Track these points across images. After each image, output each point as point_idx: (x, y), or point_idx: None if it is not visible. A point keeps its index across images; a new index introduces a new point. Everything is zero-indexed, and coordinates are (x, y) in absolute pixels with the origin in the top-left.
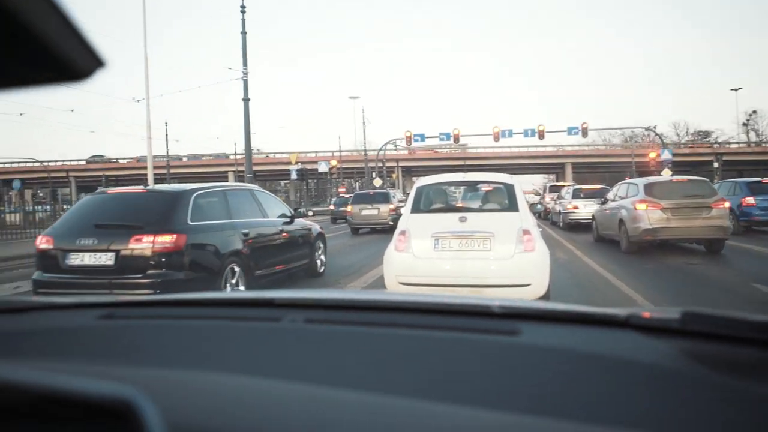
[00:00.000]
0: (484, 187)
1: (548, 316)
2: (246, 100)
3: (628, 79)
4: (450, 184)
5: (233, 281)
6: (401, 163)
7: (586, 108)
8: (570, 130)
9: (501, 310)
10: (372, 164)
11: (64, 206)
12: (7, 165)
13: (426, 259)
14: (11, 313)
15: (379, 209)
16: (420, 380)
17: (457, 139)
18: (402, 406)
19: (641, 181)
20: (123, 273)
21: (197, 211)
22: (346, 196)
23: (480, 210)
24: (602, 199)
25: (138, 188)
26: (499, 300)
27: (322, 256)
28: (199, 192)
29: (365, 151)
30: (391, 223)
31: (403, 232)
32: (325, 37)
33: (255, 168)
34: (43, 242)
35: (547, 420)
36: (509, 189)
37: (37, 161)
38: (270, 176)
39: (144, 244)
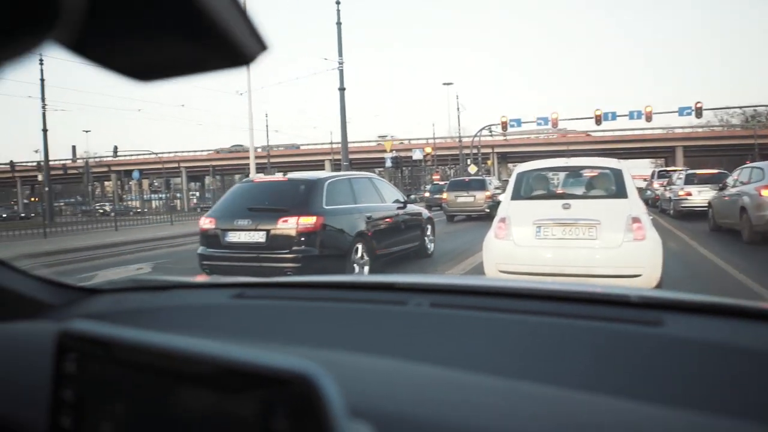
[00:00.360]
0: (589, 173)
1: (690, 306)
2: (342, 89)
3: (750, 52)
4: (552, 169)
5: (359, 258)
6: (496, 150)
7: (699, 87)
8: (681, 111)
9: (640, 299)
10: (466, 151)
11: (177, 194)
12: (127, 157)
13: (527, 247)
14: (155, 290)
15: (474, 196)
16: (558, 368)
17: (555, 124)
18: (544, 394)
19: (767, 165)
20: (272, 248)
21: (330, 196)
22: (441, 183)
23: (584, 196)
24: (720, 185)
25: (279, 177)
26: (635, 290)
27: (431, 238)
28: (331, 180)
29: (459, 137)
30: (487, 210)
31: (503, 220)
32: (418, 26)
33: (351, 156)
34: (206, 223)
35: (697, 414)
36: (617, 174)
37: (153, 153)
38: (365, 164)
39: (290, 225)
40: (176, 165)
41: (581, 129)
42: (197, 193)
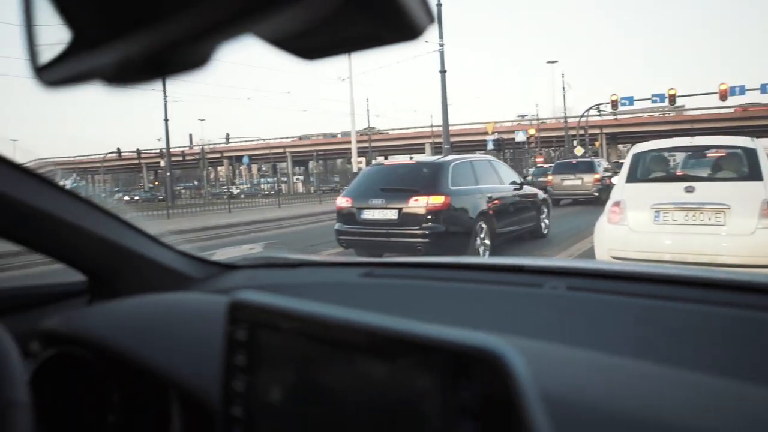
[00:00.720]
0: (716, 153)
1: None
2: (443, 72)
3: None
4: (675, 149)
5: (482, 237)
6: (605, 130)
7: None
8: None
9: None
10: (572, 132)
11: (283, 178)
12: (238, 144)
13: (643, 232)
14: (287, 267)
15: (582, 179)
16: (717, 357)
17: (673, 100)
18: (711, 384)
19: None
20: (403, 225)
21: (455, 177)
22: (545, 165)
23: (711, 179)
24: None
25: (407, 160)
26: None
27: (546, 220)
28: (455, 162)
29: (565, 118)
30: (596, 194)
31: (617, 203)
32: (520, 3)
33: (451, 139)
34: (344, 202)
35: None
36: (750, 154)
37: (261, 139)
38: (466, 147)
39: (420, 204)
40: (282, 150)
41: (703, 105)
42: (301, 177)
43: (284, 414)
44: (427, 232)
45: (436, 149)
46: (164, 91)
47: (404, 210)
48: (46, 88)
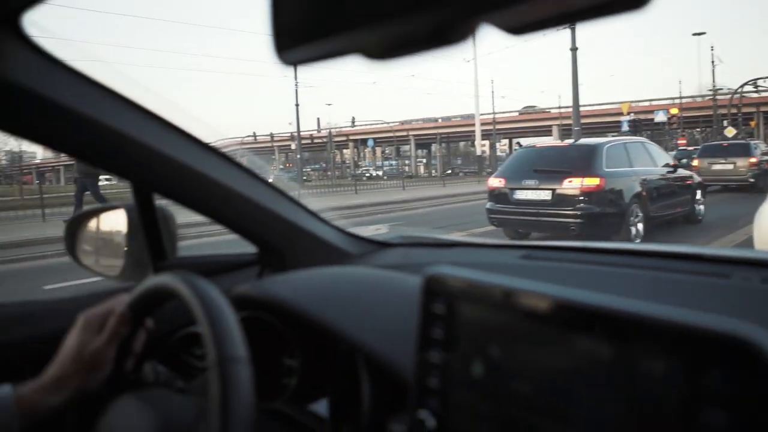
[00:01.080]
0: None
1: None
2: (573, 49)
3: None
4: None
5: (636, 220)
6: (762, 109)
7: None
8: None
9: None
10: (722, 111)
11: (406, 162)
12: (363, 127)
13: None
14: (441, 247)
15: (735, 163)
16: None
17: None
18: None
19: None
20: (557, 206)
21: (609, 159)
22: (689, 148)
23: None
24: None
25: (559, 142)
26: None
27: (701, 205)
28: (609, 144)
29: (714, 95)
30: (752, 180)
31: None
32: None
33: (582, 121)
34: (496, 182)
35: None
36: None
37: (385, 122)
38: (598, 129)
39: (574, 185)
40: (405, 133)
41: None
42: (424, 160)
43: (484, 388)
44: (580, 213)
45: (564, 132)
46: (295, 78)
47: (558, 191)
48: (285, 67)
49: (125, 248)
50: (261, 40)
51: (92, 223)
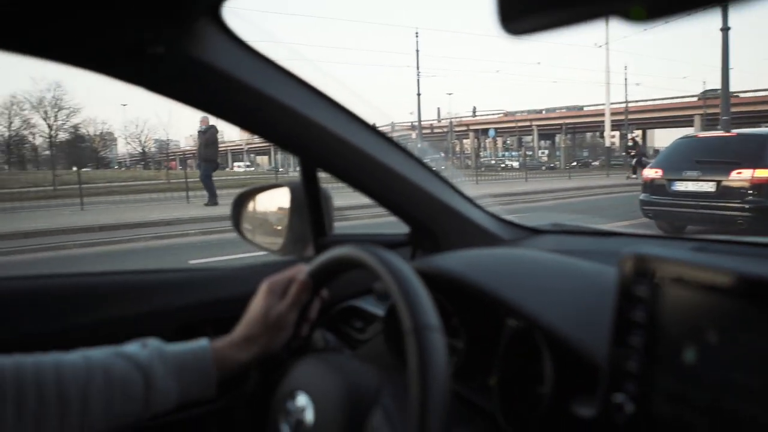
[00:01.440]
0: None
1: None
2: (725, 29)
3: None
4: None
5: None
6: None
7: None
8: None
9: None
10: None
11: (527, 152)
12: (484, 117)
13: None
14: (597, 236)
15: None
16: None
17: None
18: None
19: None
20: (722, 198)
21: None
22: None
23: None
24: None
25: (724, 132)
26: None
27: None
28: None
29: None
30: None
31: None
32: None
33: (732, 110)
34: (652, 173)
35: None
36: None
37: (507, 112)
38: (751, 119)
39: (743, 177)
40: (528, 123)
41: None
42: (546, 151)
43: (698, 375)
44: (749, 206)
45: (708, 122)
46: (417, 67)
47: (724, 183)
48: (510, 37)
49: (287, 224)
50: (376, 30)
51: (256, 200)
